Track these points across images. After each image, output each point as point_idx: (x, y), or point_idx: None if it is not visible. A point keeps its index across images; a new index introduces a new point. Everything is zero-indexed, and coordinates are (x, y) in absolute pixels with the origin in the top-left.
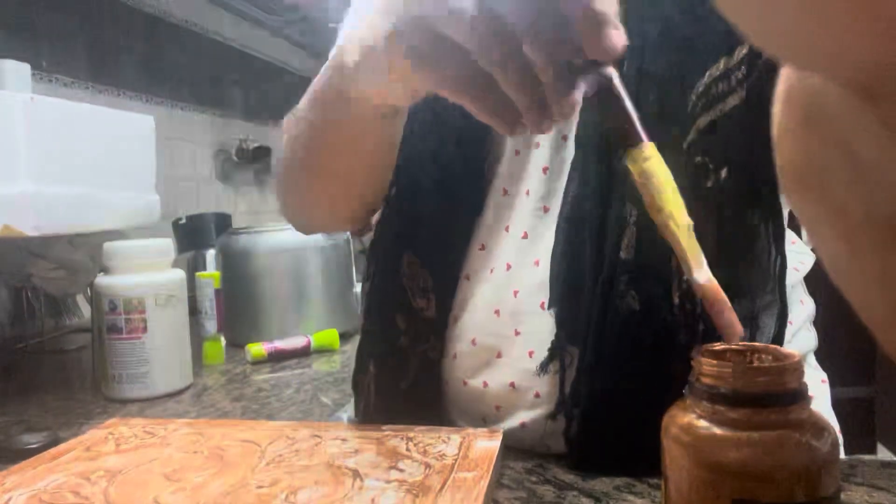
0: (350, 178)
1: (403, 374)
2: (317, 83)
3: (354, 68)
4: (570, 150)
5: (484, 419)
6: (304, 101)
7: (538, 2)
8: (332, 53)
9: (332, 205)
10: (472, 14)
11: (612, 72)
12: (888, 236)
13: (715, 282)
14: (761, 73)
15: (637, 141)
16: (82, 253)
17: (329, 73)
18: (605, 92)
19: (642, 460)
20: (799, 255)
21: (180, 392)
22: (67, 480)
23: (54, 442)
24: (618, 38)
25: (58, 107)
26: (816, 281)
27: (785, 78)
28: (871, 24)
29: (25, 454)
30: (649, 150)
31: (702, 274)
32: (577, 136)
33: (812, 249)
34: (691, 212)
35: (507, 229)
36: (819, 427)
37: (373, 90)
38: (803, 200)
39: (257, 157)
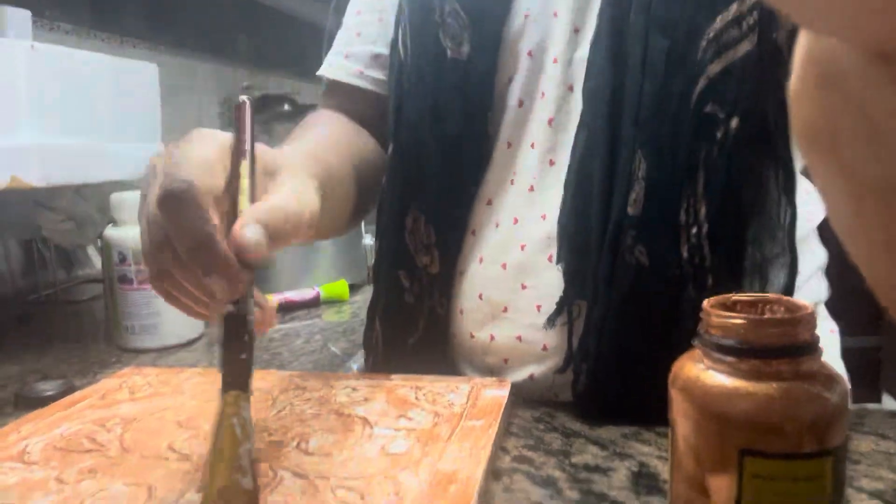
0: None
1: (411, 330)
2: None
3: None
4: (576, 101)
5: (492, 372)
6: None
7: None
8: None
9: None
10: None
11: (251, 305)
12: None
13: None
14: (773, 19)
15: (244, 386)
16: (90, 204)
17: None
18: (238, 319)
19: (649, 411)
20: (813, 205)
21: (192, 342)
22: (83, 427)
23: (69, 390)
24: (234, 285)
25: (59, 55)
26: (829, 228)
27: (802, 38)
28: None
29: (41, 402)
30: (244, 404)
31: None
32: (584, 90)
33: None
34: (698, 166)
35: (512, 182)
36: (829, 378)
37: None
38: (816, 161)
39: (264, 107)
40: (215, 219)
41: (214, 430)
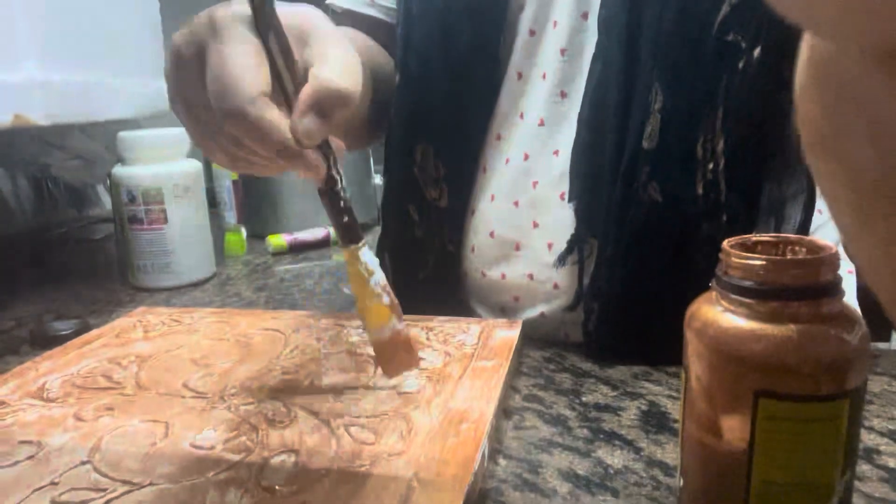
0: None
1: (421, 265)
2: None
3: None
4: (589, 30)
5: (503, 309)
6: None
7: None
8: None
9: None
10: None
11: (336, 176)
12: None
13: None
14: None
15: (355, 239)
16: (97, 143)
17: None
18: (331, 192)
19: (660, 351)
20: None
21: (204, 282)
22: (99, 365)
23: (84, 329)
24: (318, 172)
25: None
26: None
27: (806, 38)
28: None
29: (57, 341)
30: (363, 250)
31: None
32: (600, 19)
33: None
34: (717, 98)
35: (521, 116)
36: (851, 320)
37: None
38: (819, 160)
39: None
40: (281, 119)
41: (350, 280)
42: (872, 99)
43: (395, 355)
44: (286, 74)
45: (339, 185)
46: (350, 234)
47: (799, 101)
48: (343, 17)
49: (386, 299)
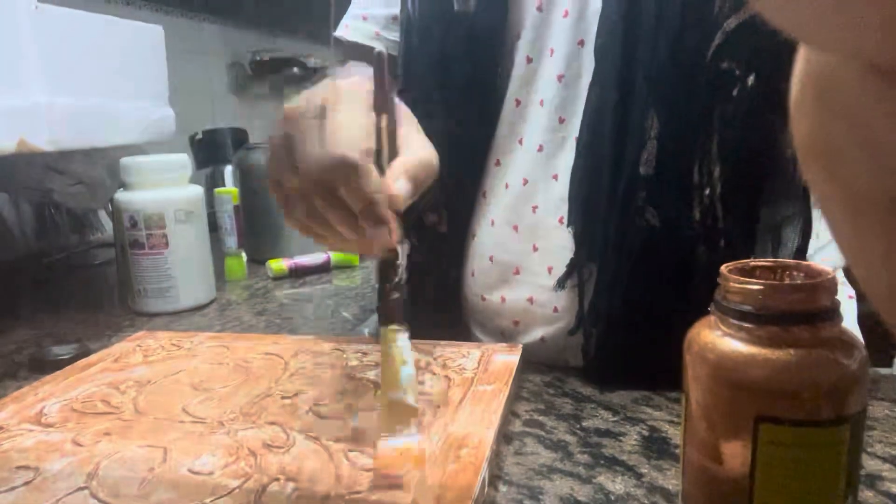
0: None
1: (421, 289)
2: None
3: None
4: (586, 57)
5: (503, 333)
6: None
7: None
8: None
9: None
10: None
11: (399, 250)
12: (894, 216)
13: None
14: None
15: (397, 322)
16: (100, 168)
17: None
18: (392, 263)
19: (660, 376)
20: None
21: (204, 306)
22: (98, 390)
23: (84, 353)
24: (391, 236)
25: (63, 15)
26: None
27: (801, 53)
28: (889, 9)
29: (56, 365)
30: (401, 335)
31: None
32: (596, 47)
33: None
34: (712, 124)
35: (520, 142)
36: (850, 345)
37: None
38: (816, 174)
39: (273, 69)
40: (377, 181)
41: (381, 360)
42: (869, 114)
43: (397, 462)
44: (385, 151)
45: (400, 260)
46: (395, 313)
47: (794, 116)
48: (350, 50)
49: (410, 399)
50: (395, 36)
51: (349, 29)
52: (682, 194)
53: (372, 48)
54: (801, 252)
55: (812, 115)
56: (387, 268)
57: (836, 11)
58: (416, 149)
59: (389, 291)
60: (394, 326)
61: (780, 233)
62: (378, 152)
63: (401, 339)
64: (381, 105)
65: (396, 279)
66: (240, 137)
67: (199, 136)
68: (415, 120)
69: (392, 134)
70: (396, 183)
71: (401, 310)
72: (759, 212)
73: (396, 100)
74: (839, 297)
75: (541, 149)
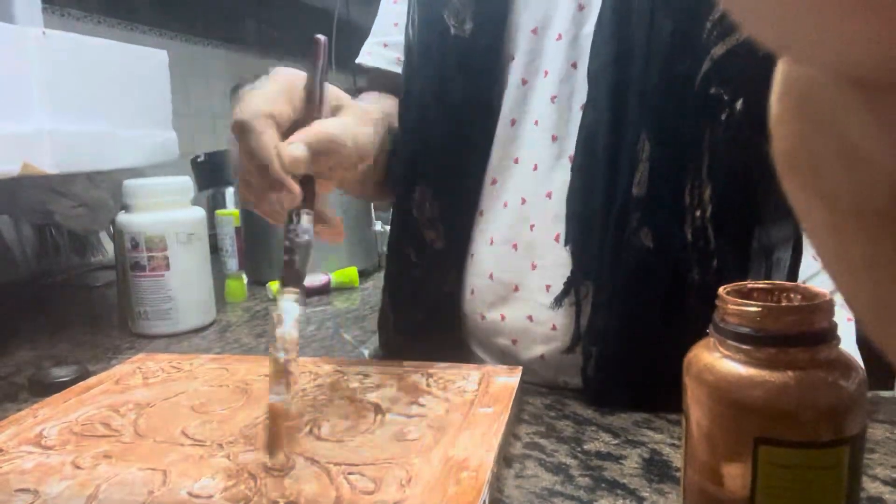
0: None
1: (420, 306)
2: None
3: None
4: (579, 78)
5: (502, 352)
6: None
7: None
8: None
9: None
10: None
11: (295, 217)
12: (876, 227)
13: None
14: None
15: (286, 283)
16: (102, 190)
17: None
18: (287, 227)
19: (659, 397)
20: None
21: (204, 328)
22: (98, 412)
23: (84, 376)
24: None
25: (70, 41)
26: None
27: (780, 65)
28: (870, 22)
29: (56, 388)
30: (288, 297)
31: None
32: (589, 71)
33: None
34: (702, 147)
35: (516, 161)
36: (847, 366)
37: None
38: (795, 187)
39: None
40: (275, 140)
41: (277, 317)
42: (848, 126)
43: (271, 426)
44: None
45: (294, 224)
46: (285, 276)
47: (774, 130)
48: (372, 75)
49: (281, 356)
50: None
51: (371, 56)
52: (675, 215)
53: (394, 73)
54: (793, 272)
55: (792, 126)
56: (287, 232)
57: (840, 22)
58: (341, 121)
59: (284, 253)
60: (284, 289)
61: (773, 253)
62: (296, 122)
63: (285, 301)
64: (311, 84)
65: (287, 242)
66: None
67: (201, 158)
68: (385, 107)
69: (312, 107)
70: (290, 146)
71: (293, 274)
72: (752, 232)
73: (375, 94)
74: (838, 319)
75: (536, 168)
